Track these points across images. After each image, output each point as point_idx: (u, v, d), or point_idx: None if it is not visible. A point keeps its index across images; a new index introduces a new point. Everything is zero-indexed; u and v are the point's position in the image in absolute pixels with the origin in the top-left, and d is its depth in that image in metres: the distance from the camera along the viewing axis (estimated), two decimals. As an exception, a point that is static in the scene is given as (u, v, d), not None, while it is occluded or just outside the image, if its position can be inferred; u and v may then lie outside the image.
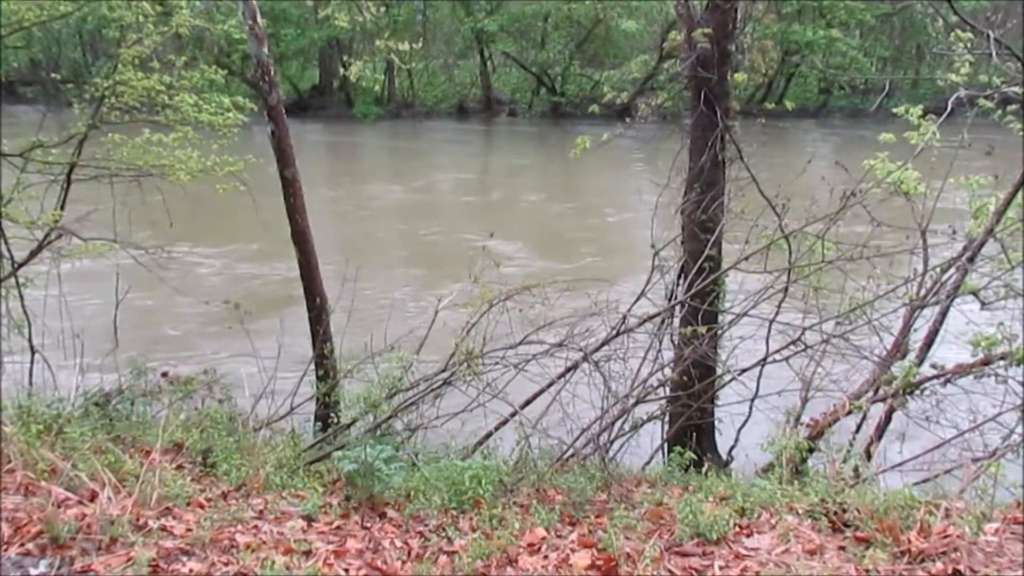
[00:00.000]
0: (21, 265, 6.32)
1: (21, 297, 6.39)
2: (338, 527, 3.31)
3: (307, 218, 6.37)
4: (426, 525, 3.39)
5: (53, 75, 18.02)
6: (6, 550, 2.68)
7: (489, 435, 5.15)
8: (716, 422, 6.22)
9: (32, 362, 6.24)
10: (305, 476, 4.02)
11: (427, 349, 5.63)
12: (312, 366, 6.26)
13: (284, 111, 6.29)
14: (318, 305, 6.44)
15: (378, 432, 4.62)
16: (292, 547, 2.95)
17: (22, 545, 2.71)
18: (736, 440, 5.89)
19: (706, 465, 4.59)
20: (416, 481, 3.84)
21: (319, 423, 5.79)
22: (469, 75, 34.90)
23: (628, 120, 6.70)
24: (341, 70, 30.78)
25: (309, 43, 29.33)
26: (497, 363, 5.16)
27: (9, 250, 6.31)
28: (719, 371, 5.89)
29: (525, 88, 33.52)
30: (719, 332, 5.88)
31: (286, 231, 6.40)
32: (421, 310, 8.79)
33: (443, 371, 5.09)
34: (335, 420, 5.32)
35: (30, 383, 5.97)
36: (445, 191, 20.58)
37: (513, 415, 4.97)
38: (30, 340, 6.31)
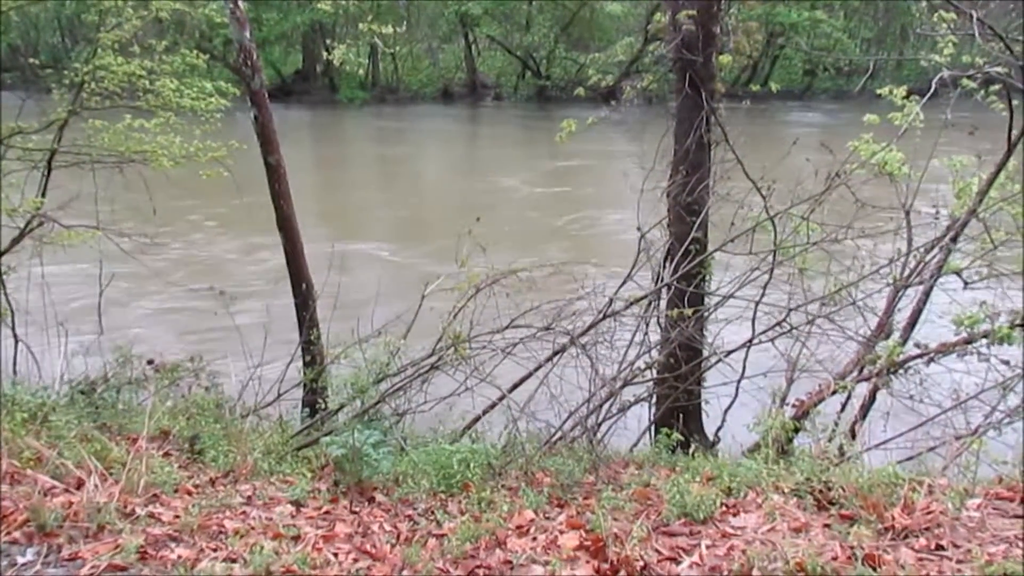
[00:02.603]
0: (2, 253, 6.25)
1: (3, 285, 6.33)
2: (327, 512, 3.32)
3: (292, 204, 6.33)
4: (415, 509, 3.40)
5: (32, 60, 17.76)
6: (-8, 539, 2.67)
7: (477, 419, 5.16)
8: (703, 403, 6.26)
9: (16, 350, 6.19)
10: (293, 462, 4.02)
11: (416, 334, 5.62)
12: (299, 352, 6.24)
13: (267, 96, 6.23)
14: (304, 291, 6.41)
15: (366, 417, 4.62)
16: (281, 532, 2.95)
17: (9, 533, 2.70)
18: (722, 421, 5.93)
19: (693, 446, 4.61)
20: (405, 465, 3.84)
21: (307, 409, 5.79)
22: (454, 59, 34.68)
23: (614, 103, 6.69)
24: (324, 54, 30.53)
25: (292, 27, 29.03)
26: (484, 347, 5.16)
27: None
28: (705, 353, 5.91)
29: (510, 72, 33.37)
30: (705, 314, 5.90)
31: (272, 216, 6.35)
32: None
33: (430, 356, 5.09)
34: (323, 406, 5.32)
35: (14, 372, 5.92)
36: (439, 177, 20.52)
37: (501, 399, 4.98)
38: (13, 328, 6.26)
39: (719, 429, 5.99)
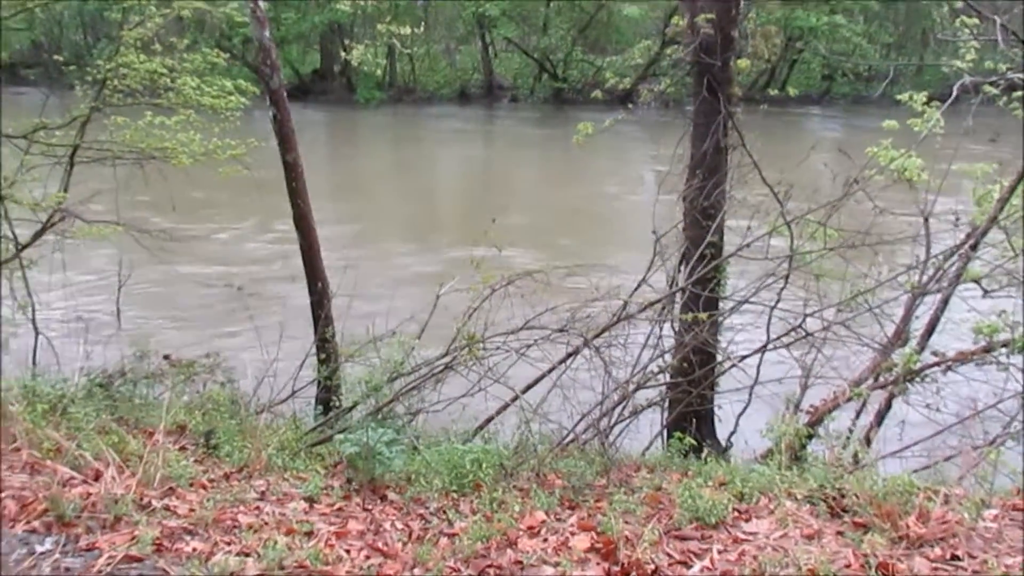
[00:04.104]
0: (25, 247, 6.33)
1: (25, 278, 6.41)
2: (339, 509, 3.34)
3: (309, 202, 6.37)
4: (427, 508, 3.41)
5: (55, 57, 17.95)
6: (12, 527, 2.71)
7: (490, 419, 5.17)
8: (716, 408, 6.25)
9: (36, 342, 6.27)
10: (307, 459, 4.05)
11: (430, 334, 5.64)
12: (314, 349, 6.27)
13: (286, 95, 6.27)
14: (320, 289, 6.45)
15: (379, 416, 4.64)
16: (294, 528, 2.97)
17: (28, 522, 2.73)
18: (735, 426, 5.91)
19: (705, 451, 4.60)
20: (417, 464, 3.86)
21: (320, 406, 5.82)
22: (471, 60, 34.73)
23: (631, 106, 6.68)
24: (343, 54, 30.67)
25: (310, 27, 29.16)
26: (499, 348, 5.17)
27: (13, 232, 6.32)
28: (719, 358, 5.90)
29: (527, 74, 33.35)
30: (720, 319, 5.89)
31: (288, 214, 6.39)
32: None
33: (445, 355, 5.10)
34: (337, 403, 5.35)
35: (34, 363, 6.00)
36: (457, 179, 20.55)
37: (514, 400, 4.99)
38: (34, 321, 6.34)
39: (732, 434, 5.97)
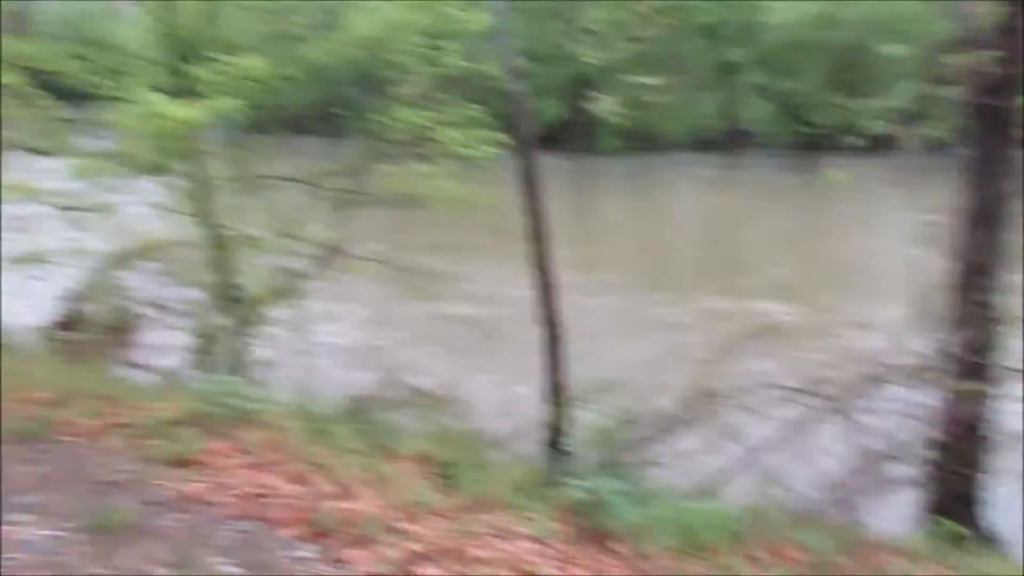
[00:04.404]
0: (304, 278, 7.16)
1: (301, 307, 7.25)
2: (567, 554, 3.34)
3: (551, 248, 6.57)
4: (652, 563, 3.32)
5: (335, 111, 20.38)
6: (279, 531, 3.04)
7: (722, 478, 4.95)
8: (988, 493, 5.48)
9: (307, 366, 7.03)
10: (537, 499, 4.11)
11: (666, 384, 5.54)
12: (546, 392, 6.41)
13: (535, 145, 6.57)
14: (555, 333, 6.59)
15: (610, 464, 4.62)
16: (524, 569, 3.03)
17: (292, 528, 3.05)
18: (1015, 517, 5.14)
19: (972, 541, 4.04)
20: (645, 518, 3.77)
21: (551, 448, 5.91)
22: (715, 107, 34.14)
23: (893, 151, 6.20)
24: (586, 104, 31.53)
25: (558, 79, 30.40)
26: (735, 404, 4.96)
27: (295, 266, 7.19)
28: (993, 435, 5.19)
29: (774, 119, 32.11)
30: (995, 390, 5.19)
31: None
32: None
33: (680, 408, 4.99)
34: (567, 447, 5.40)
35: (303, 385, 6.73)
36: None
37: (748, 461, 4.74)
38: (307, 347, 7.13)
39: (1008, 526, 5.20)
